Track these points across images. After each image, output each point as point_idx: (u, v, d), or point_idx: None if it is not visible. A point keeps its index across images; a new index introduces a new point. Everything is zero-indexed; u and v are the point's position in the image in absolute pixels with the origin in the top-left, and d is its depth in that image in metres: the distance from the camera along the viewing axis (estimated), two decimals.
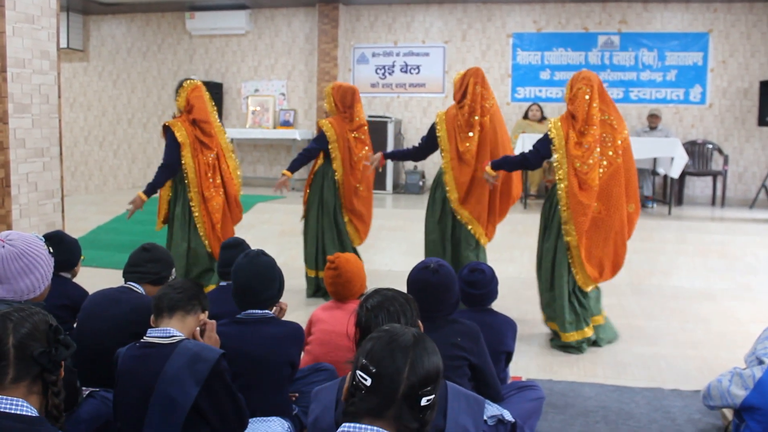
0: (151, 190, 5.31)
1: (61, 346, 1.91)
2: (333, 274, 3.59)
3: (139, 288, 3.27)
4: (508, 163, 4.99)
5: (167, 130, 5.31)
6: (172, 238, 5.46)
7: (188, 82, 5.37)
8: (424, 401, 1.70)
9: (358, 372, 1.73)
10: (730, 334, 5.13)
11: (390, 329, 1.80)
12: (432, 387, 1.72)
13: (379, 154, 5.78)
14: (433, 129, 5.37)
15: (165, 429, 2.45)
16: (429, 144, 5.48)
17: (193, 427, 2.50)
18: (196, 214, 5.33)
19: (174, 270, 3.50)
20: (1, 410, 1.78)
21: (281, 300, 3.18)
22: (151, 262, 3.34)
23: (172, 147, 5.27)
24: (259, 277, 2.97)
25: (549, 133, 4.68)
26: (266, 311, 2.98)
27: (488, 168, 4.99)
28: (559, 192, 4.65)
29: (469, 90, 5.16)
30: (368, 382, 1.70)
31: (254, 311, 2.95)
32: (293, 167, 6.01)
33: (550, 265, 4.79)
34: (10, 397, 1.80)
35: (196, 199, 5.31)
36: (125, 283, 3.30)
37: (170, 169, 5.31)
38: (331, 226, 5.98)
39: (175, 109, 5.62)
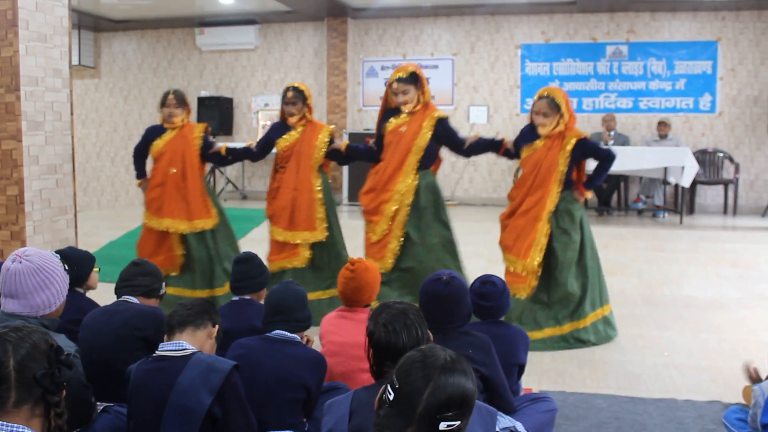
0: None
1: (63, 367, 1.81)
2: (349, 276, 3.57)
3: (134, 299, 3.36)
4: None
5: None
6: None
7: None
8: (443, 426, 1.66)
9: (387, 385, 1.75)
10: (743, 344, 5.10)
11: (426, 348, 1.80)
12: (456, 413, 1.68)
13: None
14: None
15: None
16: None
17: None
18: None
19: (164, 283, 3.59)
20: None
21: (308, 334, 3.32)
22: (141, 276, 3.45)
23: None
24: (291, 297, 3.09)
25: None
26: (294, 335, 3.04)
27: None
28: None
29: None
30: (391, 397, 1.72)
31: (284, 332, 3.02)
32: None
33: None
34: (11, 424, 1.71)
35: None
36: (118, 298, 3.38)
37: None
38: None
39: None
